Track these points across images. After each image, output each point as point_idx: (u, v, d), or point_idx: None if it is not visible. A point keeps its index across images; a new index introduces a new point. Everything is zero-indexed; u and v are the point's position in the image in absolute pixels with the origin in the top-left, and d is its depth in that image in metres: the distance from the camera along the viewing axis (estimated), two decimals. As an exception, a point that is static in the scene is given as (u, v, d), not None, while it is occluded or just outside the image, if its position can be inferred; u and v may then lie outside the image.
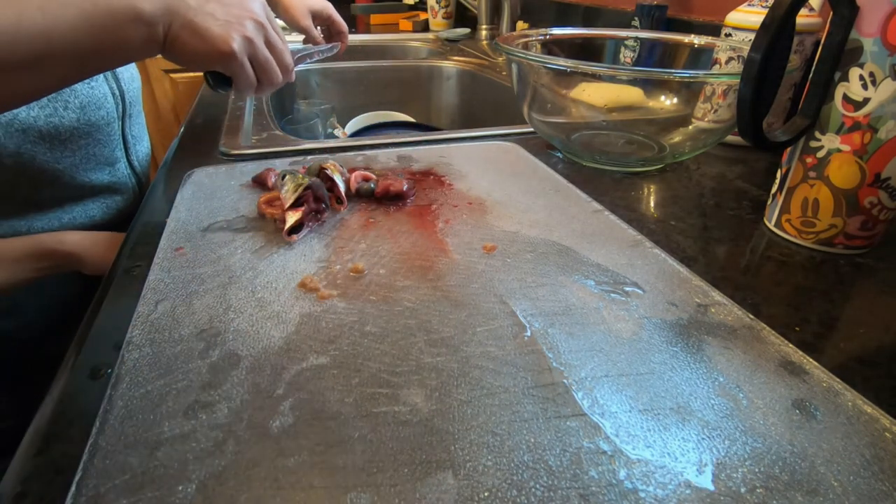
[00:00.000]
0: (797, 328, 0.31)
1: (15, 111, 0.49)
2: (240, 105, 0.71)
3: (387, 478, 0.21)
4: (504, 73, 1.00)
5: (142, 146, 0.67)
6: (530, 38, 0.63)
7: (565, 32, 0.66)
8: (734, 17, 0.58)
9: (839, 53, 0.35)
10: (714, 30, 0.69)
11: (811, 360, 0.28)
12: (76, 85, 0.53)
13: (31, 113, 0.51)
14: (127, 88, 0.62)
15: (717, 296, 0.33)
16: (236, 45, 0.44)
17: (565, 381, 0.26)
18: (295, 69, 0.53)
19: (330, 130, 0.89)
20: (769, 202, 0.43)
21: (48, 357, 0.46)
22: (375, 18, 1.57)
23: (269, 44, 0.49)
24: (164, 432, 0.23)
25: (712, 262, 0.38)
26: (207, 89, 0.79)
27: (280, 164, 0.50)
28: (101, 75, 0.56)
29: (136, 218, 0.43)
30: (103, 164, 0.60)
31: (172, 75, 1.50)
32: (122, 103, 0.60)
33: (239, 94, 0.57)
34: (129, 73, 0.64)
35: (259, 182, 0.46)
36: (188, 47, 0.43)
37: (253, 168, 0.50)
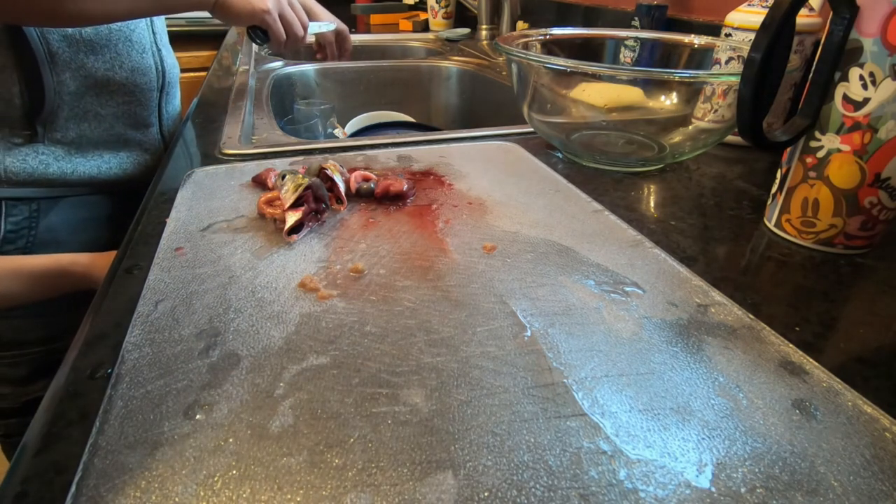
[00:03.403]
0: (797, 328, 0.31)
1: (83, 59, 0.63)
2: (240, 105, 0.71)
3: (387, 478, 0.21)
4: (504, 73, 1.00)
5: (173, 121, 0.80)
6: (530, 38, 0.63)
7: (565, 32, 0.66)
8: (734, 17, 0.58)
9: (839, 53, 0.35)
10: (714, 30, 0.69)
11: (811, 360, 0.28)
12: (131, 52, 0.68)
13: (96, 64, 0.64)
14: (168, 69, 0.75)
15: (717, 296, 0.33)
16: (270, 4, 0.65)
17: (565, 381, 0.26)
18: (309, 32, 0.75)
19: (330, 130, 0.89)
20: (769, 202, 0.43)
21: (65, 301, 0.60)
22: (375, 18, 1.57)
23: (291, 6, 0.70)
24: (164, 432, 0.23)
25: (712, 262, 0.38)
26: (208, 89, 0.80)
27: (280, 164, 0.50)
28: (149, 51, 0.71)
29: (136, 218, 0.43)
30: (139, 124, 0.72)
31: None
32: (161, 78, 0.73)
33: (272, 46, 0.72)
34: (171, 61, 0.77)
35: (259, 182, 0.46)
36: (235, 7, 0.63)
37: (253, 168, 0.50)
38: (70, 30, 0.60)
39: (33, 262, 0.58)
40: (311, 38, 0.79)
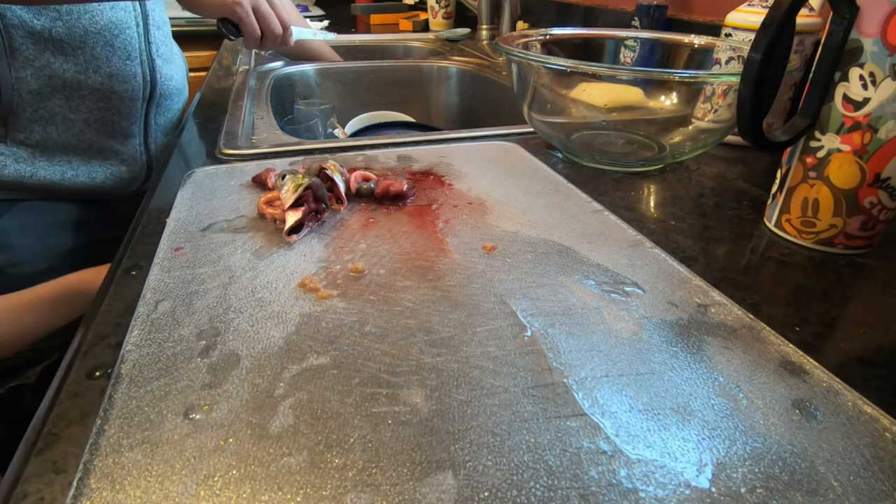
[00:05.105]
0: (797, 328, 0.31)
1: (49, 59, 0.58)
2: (240, 105, 0.71)
3: (387, 478, 0.21)
4: (504, 73, 1.00)
5: (164, 134, 0.75)
6: (530, 38, 0.63)
7: (565, 32, 0.66)
8: (734, 17, 0.58)
9: (839, 53, 0.35)
10: (714, 30, 0.69)
11: (811, 360, 0.28)
12: (112, 57, 0.63)
13: (65, 65, 0.60)
14: (162, 81, 0.70)
15: (717, 296, 0.33)
16: None
17: (565, 381, 0.26)
18: (294, 37, 0.69)
19: (330, 130, 0.89)
20: (769, 202, 0.43)
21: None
22: (375, 18, 1.57)
23: (269, 1, 0.63)
24: (164, 432, 0.23)
25: (712, 262, 0.38)
26: (208, 89, 0.80)
27: (280, 164, 0.50)
28: (137, 59, 0.66)
29: (135, 218, 0.43)
30: (117, 133, 0.67)
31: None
32: (150, 88, 0.68)
33: (246, 44, 0.66)
34: (169, 73, 0.72)
35: (259, 182, 0.46)
36: None
37: (253, 168, 0.50)
38: (39, 27, 0.58)
39: (43, 290, 0.57)
40: (294, 41, 0.73)
